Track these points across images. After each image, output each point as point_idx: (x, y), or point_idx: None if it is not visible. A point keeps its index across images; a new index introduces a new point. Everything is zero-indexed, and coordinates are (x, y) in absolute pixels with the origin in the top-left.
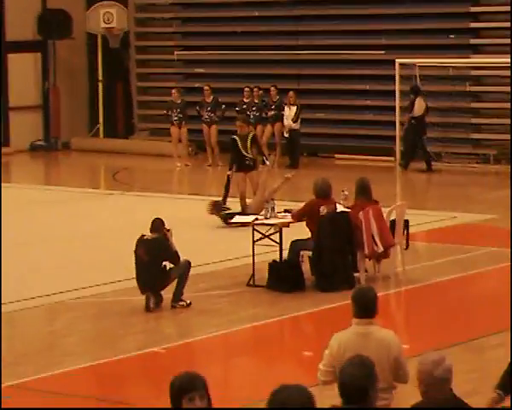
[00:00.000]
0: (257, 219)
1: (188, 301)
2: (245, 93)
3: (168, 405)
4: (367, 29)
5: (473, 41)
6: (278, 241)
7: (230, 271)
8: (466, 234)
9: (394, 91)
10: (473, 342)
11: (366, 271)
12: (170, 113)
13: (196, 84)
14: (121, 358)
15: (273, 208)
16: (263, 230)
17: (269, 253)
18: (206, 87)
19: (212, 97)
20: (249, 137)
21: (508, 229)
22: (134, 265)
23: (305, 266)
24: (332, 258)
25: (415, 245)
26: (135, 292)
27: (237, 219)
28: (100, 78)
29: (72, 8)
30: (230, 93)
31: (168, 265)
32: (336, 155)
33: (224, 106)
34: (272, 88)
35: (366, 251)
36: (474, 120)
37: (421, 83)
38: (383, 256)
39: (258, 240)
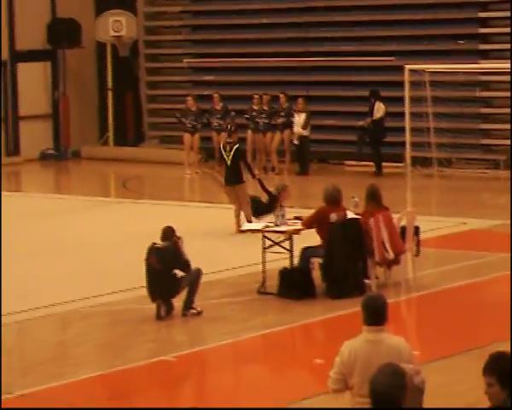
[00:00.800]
0: (267, 226)
1: (199, 309)
2: (254, 100)
3: None
4: (376, 35)
5: (482, 46)
6: (289, 248)
7: (241, 278)
8: (476, 240)
9: (404, 97)
10: (484, 349)
11: (377, 277)
12: (183, 120)
13: (206, 92)
14: (133, 366)
15: (283, 215)
16: (273, 237)
17: (279, 260)
18: (215, 95)
19: (221, 105)
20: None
21: None
22: (145, 273)
23: (316, 273)
24: (342, 265)
25: (425, 251)
26: (146, 300)
27: (247, 226)
28: (109, 86)
29: (81, 17)
30: (240, 100)
31: (179, 273)
32: (346, 162)
33: (233, 113)
34: (281, 95)
35: (377, 258)
36: (483, 126)
37: (430, 89)
38: (394, 263)
39: (268, 247)
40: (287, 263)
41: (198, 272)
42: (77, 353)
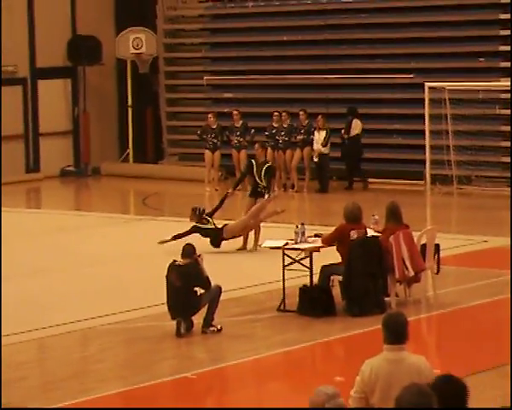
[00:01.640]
0: (287, 243)
1: (218, 327)
2: (274, 118)
3: None
4: (396, 53)
5: (502, 64)
6: (309, 266)
7: (261, 296)
8: (497, 258)
9: (423, 115)
10: (504, 368)
11: (397, 295)
12: (204, 137)
13: (225, 109)
14: (153, 383)
15: (303, 233)
16: (293, 254)
17: (299, 277)
18: (235, 112)
19: (241, 122)
20: (264, 167)
21: None
22: (165, 290)
23: (336, 291)
24: (363, 282)
25: (445, 269)
26: (165, 317)
27: (268, 243)
28: (129, 103)
29: (101, 34)
30: (259, 118)
31: (199, 290)
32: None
33: (253, 131)
34: (301, 112)
35: (397, 275)
36: (503, 144)
37: (450, 106)
38: (414, 280)
39: (288, 265)
40: (307, 281)
41: (218, 290)
42: (98, 369)
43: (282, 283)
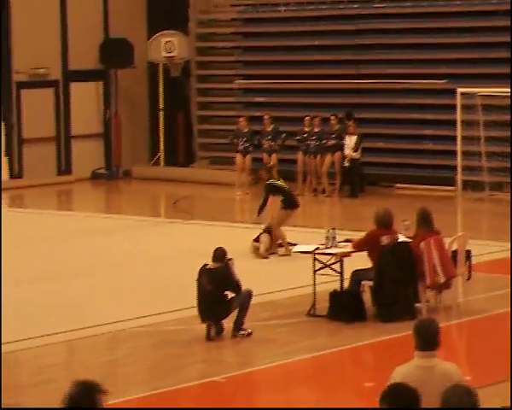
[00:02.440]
0: (318, 248)
1: (249, 331)
2: (305, 122)
3: None
4: (428, 58)
5: None
6: (339, 270)
7: (291, 300)
8: None
9: (455, 121)
10: None
11: (428, 301)
12: (235, 141)
13: (256, 113)
14: (182, 387)
15: (334, 238)
16: (324, 259)
17: (330, 282)
18: (266, 116)
19: (272, 126)
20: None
21: None
22: (195, 293)
23: (366, 296)
24: (393, 288)
25: (476, 276)
26: (195, 321)
27: (298, 248)
28: (161, 106)
29: (133, 37)
30: (291, 122)
31: (230, 294)
32: (397, 185)
33: (284, 135)
34: (332, 117)
35: (428, 281)
36: None
37: (482, 112)
38: (445, 287)
39: (318, 269)
40: (337, 286)
41: (249, 294)
42: (127, 372)
43: (312, 287)
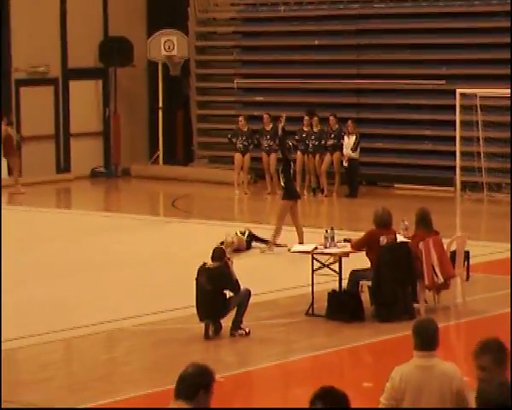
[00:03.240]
0: (316, 248)
1: (247, 330)
2: (304, 122)
3: None
4: (427, 59)
5: None
6: (338, 270)
7: (290, 300)
8: None
9: (454, 121)
10: None
11: (426, 302)
12: (235, 140)
13: (255, 113)
14: None
15: (333, 238)
16: (322, 259)
17: (328, 282)
18: (265, 115)
19: (271, 126)
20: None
21: None
22: (195, 293)
23: (365, 296)
24: (392, 288)
25: (475, 276)
26: (193, 320)
27: (297, 248)
28: (160, 105)
29: (133, 35)
30: (290, 122)
31: (228, 293)
32: (396, 185)
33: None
34: (331, 117)
35: (426, 282)
36: None
37: (481, 113)
38: (443, 287)
39: (317, 269)
40: (336, 285)
41: (247, 293)
42: (126, 371)
43: (310, 287)
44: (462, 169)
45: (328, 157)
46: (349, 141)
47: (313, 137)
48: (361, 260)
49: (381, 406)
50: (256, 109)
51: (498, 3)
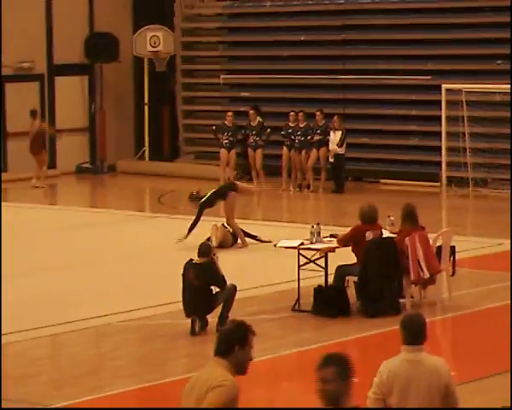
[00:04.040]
0: (302, 243)
1: None
2: (290, 117)
3: None
4: (413, 54)
5: None
6: (324, 266)
7: (276, 295)
8: None
9: (440, 117)
10: None
11: (412, 297)
12: (220, 135)
13: (242, 108)
14: (167, 381)
15: (319, 233)
16: (308, 254)
17: (314, 278)
18: (251, 111)
19: (257, 121)
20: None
21: None
22: (179, 288)
23: (351, 292)
24: (378, 283)
25: (461, 271)
26: (180, 315)
27: (283, 243)
28: (146, 101)
29: (119, 31)
30: (276, 117)
31: (214, 289)
32: (382, 180)
33: (269, 130)
34: (318, 112)
35: (412, 277)
36: None
37: (467, 108)
38: (429, 282)
39: (303, 265)
40: (322, 281)
41: (233, 289)
42: (112, 367)
43: (296, 283)
44: (448, 164)
45: (314, 153)
46: (335, 136)
47: (299, 133)
48: (347, 256)
49: (369, 400)
50: (242, 105)
51: None
